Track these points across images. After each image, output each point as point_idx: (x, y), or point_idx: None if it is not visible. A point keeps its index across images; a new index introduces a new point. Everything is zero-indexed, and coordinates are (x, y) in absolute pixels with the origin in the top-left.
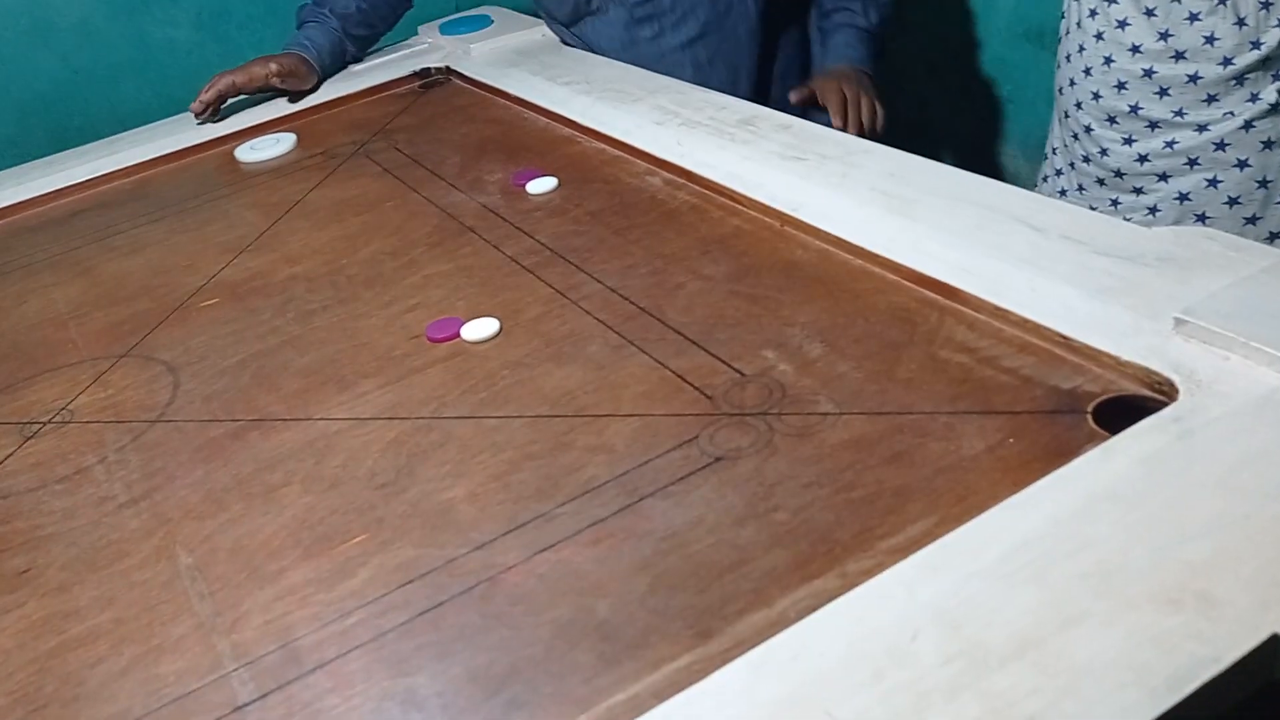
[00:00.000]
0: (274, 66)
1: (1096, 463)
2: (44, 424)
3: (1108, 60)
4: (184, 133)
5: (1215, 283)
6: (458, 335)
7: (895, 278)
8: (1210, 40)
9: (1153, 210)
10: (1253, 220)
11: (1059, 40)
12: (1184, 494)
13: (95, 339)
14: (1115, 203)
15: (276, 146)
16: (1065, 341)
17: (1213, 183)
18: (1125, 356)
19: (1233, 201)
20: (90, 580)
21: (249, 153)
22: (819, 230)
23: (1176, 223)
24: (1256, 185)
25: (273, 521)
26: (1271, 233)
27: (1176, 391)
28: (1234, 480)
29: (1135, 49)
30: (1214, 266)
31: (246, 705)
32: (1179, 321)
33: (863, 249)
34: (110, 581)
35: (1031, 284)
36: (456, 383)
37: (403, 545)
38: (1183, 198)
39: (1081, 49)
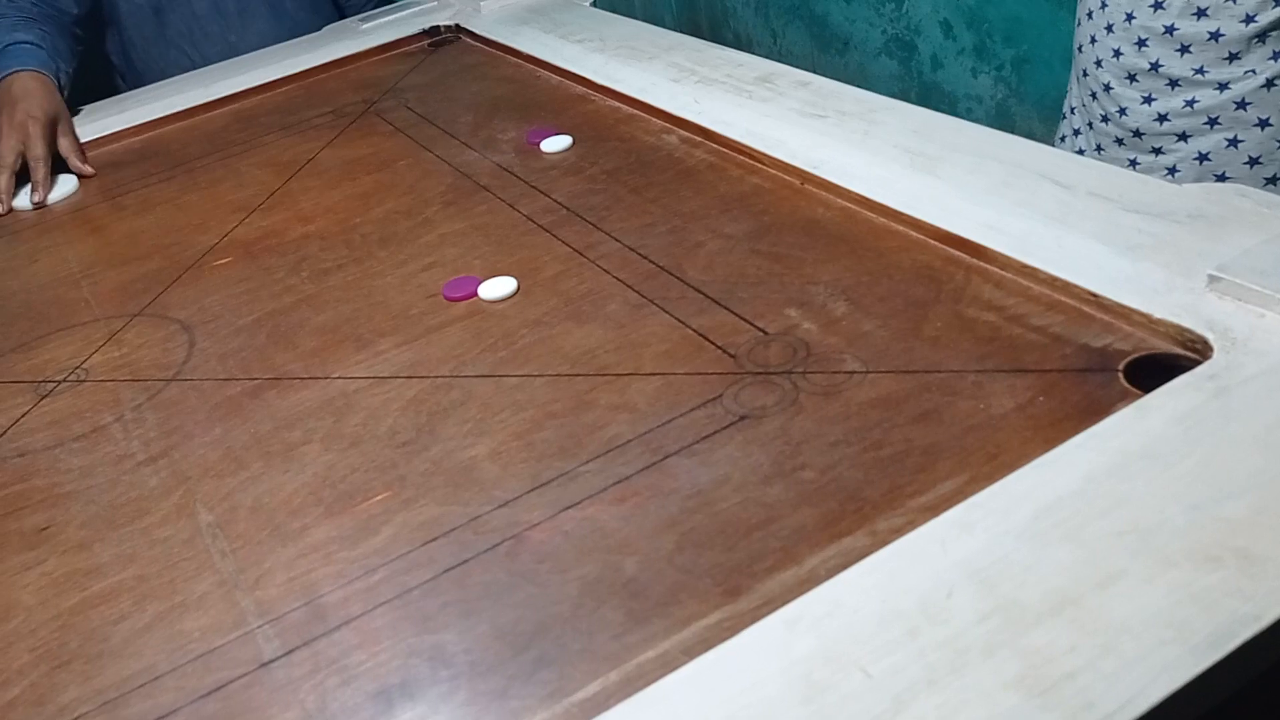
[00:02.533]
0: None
1: (1130, 421)
2: (59, 382)
3: (1129, 16)
4: (191, 90)
5: (1248, 240)
6: (475, 294)
7: (920, 236)
8: None
9: (1172, 171)
10: (1274, 180)
11: None
12: (1221, 452)
13: (108, 298)
14: (1134, 163)
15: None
16: (1095, 299)
17: (1233, 142)
18: (1157, 314)
19: (1253, 161)
20: (110, 538)
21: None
22: (841, 188)
23: (1196, 183)
24: (1277, 145)
25: (293, 479)
26: None
27: (1210, 349)
28: (1272, 437)
29: (1157, 5)
30: (1246, 223)
31: (272, 661)
32: (1213, 279)
33: (886, 207)
34: (131, 539)
35: (1060, 241)
36: (475, 341)
37: (426, 503)
38: (1202, 158)
39: (1103, 5)
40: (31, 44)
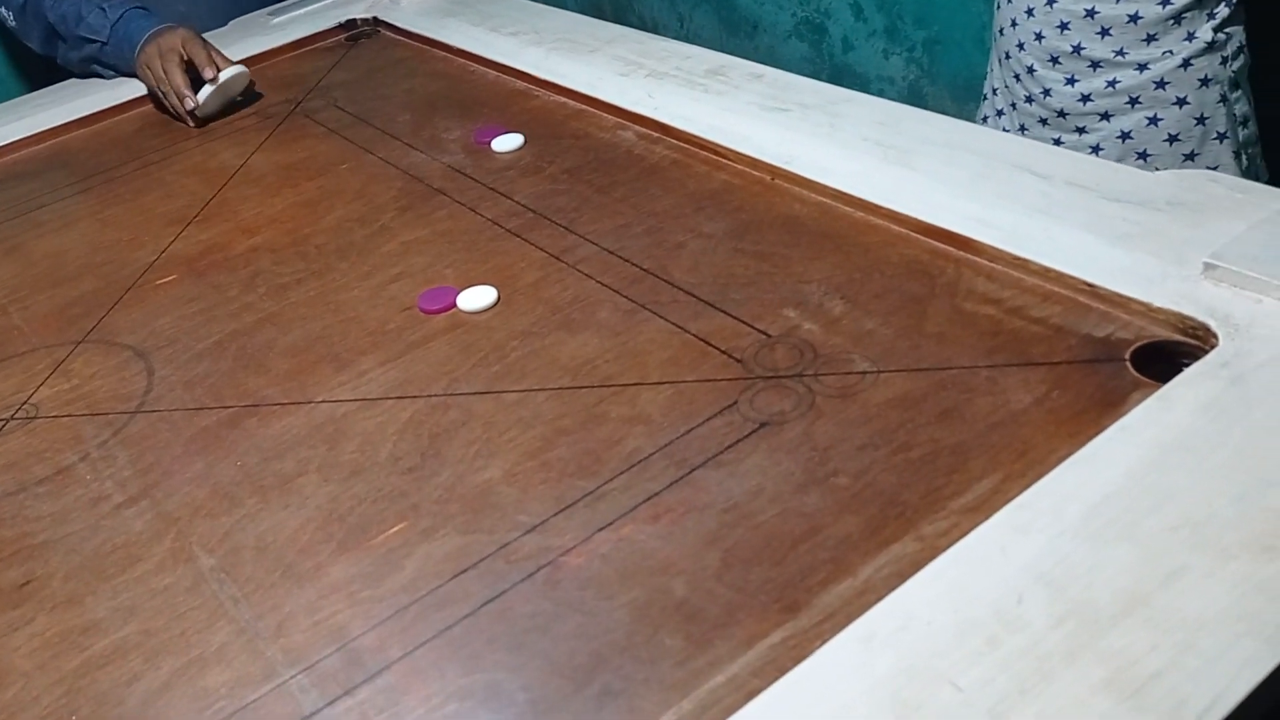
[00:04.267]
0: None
1: (1155, 413)
2: (7, 420)
3: (1050, 1)
4: (96, 93)
5: (1229, 225)
6: (454, 305)
7: (902, 229)
8: None
9: (1095, 149)
10: (1191, 156)
11: None
12: (1252, 439)
13: (43, 324)
14: (1058, 142)
15: None
16: (1091, 289)
17: (1153, 121)
18: (1157, 303)
19: (1172, 139)
20: (103, 590)
21: None
22: (814, 183)
23: (1119, 161)
24: (1194, 122)
25: (295, 515)
26: (1209, 167)
27: (1213, 336)
28: None
29: None
30: (1223, 209)
31: (314, 714)
32: (1208, 266)
33: (864, 201)
34: (126, 589)
35: (1048, 232)
36: (464, 356)
37: (447, 532)
38: (1124, 136)
39: None
40: (142, 9)
